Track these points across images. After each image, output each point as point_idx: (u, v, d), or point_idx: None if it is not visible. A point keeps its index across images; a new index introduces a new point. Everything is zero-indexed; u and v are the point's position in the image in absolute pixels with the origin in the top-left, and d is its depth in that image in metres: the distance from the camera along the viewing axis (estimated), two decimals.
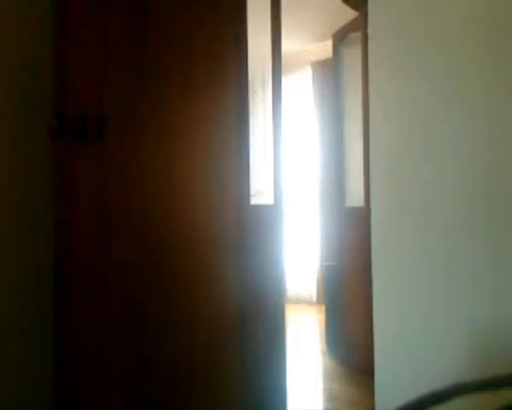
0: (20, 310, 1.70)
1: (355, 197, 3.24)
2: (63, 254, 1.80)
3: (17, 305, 1.69)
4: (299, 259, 5.48)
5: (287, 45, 3.41)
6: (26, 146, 1.77)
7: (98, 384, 1.78)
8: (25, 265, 1.75)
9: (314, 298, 5.27)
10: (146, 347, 1.79)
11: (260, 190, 2.06)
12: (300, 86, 5.57)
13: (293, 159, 5.49)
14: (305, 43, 5.31)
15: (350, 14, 3.28)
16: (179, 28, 1.79)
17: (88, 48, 1.80)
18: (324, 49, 4.99)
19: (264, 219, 1.97)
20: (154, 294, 1.78)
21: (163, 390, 1.77)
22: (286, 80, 4.95)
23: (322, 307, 3.94)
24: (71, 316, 1.80)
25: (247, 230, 1.79)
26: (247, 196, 1.80)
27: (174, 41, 1.79)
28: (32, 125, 1.77)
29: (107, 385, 1.78)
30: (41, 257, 1.80)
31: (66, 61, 1.80)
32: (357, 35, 3.21)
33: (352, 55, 3.29)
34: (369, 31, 2.01)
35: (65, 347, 1.79)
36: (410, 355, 1.88)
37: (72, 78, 1.80)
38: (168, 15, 1.79)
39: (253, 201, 1.91)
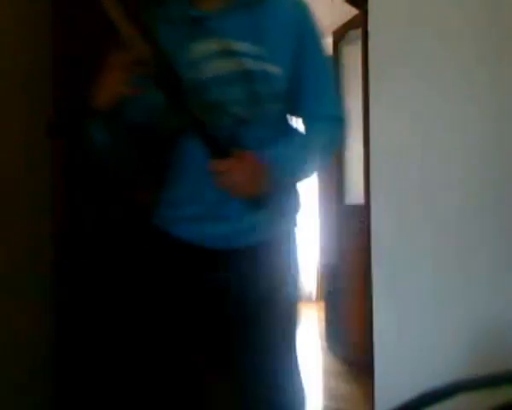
0: (19, 311, 1.70)
1: (355, 195, 3.24)
2: (63, 255, 1.80)
3: (16, 305, 1.69)
4: (299, 256, 5.47)
5: None
6: (27, 145, 1.77)
7: (98, 382, 1.78)
8: (24, 264, 1.74)
9: (314, 295, 5.27)
10: (147, 343, 1.79)
11: None
12: None
13: None
14: None
15: (350, 11, 3.26)
16: None
17: (88, 45, 1.79)
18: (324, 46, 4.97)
19: None
20: None
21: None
22: None
23: (322, 305, 3.94)
24: (71, 316, 1.80)
25: None
26: None
27: None
28: (33, 123, 1.76)
29: (108, 381, 1.78)
30: (40, 257, 1.80)
31: (66, 58, 1.80)
32: (358, 32, 3.19)
33: (353, 52, 3.28)
34: (370, 28, 2.00)
35: (65, 347, 1.79)
36: (409, 354, 1.88)
37: (73, 75, 1.80)
38: None
39: None
